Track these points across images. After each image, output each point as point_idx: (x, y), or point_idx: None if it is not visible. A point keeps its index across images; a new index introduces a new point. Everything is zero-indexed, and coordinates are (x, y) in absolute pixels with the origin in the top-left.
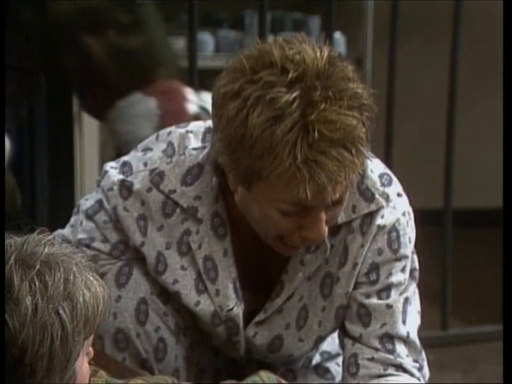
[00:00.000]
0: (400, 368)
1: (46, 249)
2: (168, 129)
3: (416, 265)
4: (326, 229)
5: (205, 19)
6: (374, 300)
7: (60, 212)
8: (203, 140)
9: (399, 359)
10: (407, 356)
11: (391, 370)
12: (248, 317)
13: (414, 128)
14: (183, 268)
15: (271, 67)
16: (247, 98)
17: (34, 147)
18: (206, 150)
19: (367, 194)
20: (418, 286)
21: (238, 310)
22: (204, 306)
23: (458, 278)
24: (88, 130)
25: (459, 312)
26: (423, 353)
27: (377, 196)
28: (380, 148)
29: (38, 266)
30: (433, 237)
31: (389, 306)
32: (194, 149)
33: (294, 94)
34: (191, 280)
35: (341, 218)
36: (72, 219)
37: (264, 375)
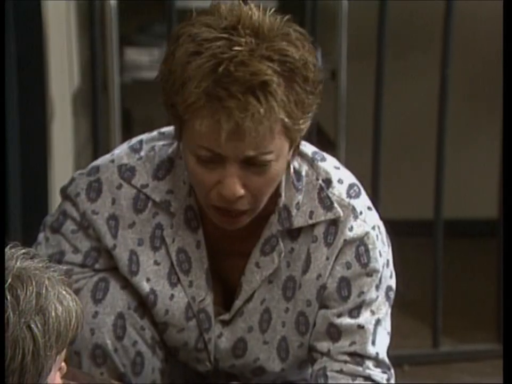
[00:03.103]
0: (369, 379)
1: (18, 263)
2: (140, 136)
3: (393, 284)
4: (240, 190)
5: None
6: (346, 319)
7: (32, 224)
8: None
9: (367, 371)
10: (376, 367)
11: (359, 381)
12: (219, 316)
13: (402, 138)
14: (156, 262)
15: (213, 14)
16: (180, 36)
17: (6, 157)
18: (175, 144)
19: (325, 202)
20: (408, 302)
21: (209, 300)
22: (178, 298)
23: (449, 291)
24: (62, 141)
25: (450, 328)
26: (392, 370)
27: (336, 205)
28: (368, 157)
29: (9, 280)
30: (423, 249)
31: (360, 327)
32: (164, 144)
33: (220, 35)
34: (164, 274)
35: (297, 222)
36: (39, 237)
37: None
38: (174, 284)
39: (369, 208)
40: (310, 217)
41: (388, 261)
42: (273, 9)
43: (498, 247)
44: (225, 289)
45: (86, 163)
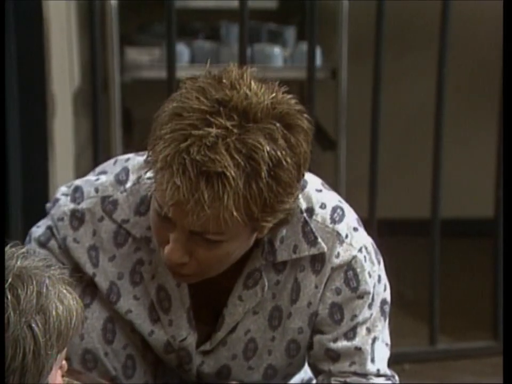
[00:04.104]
0: None
1: (18, 263)
2: (127, 156)
3: (387, 297)
4: (181, 258)
5: (180, 29)
6: (342, 342)
7: (33, 224)
8: None
9: (371, 381)
10: (379, 376)
11: None
12: (199, 346)
13: (400, 138)
14: (135, 297)
15: (216, 81)
16: (181, 88)
17: (7, 157)
18: None
19: (309, 237)
20: (405, 301)
21: (191, 340)
22: (158, 336)
23: (446, 290)
24: (63, 140)
25: (447, 326)
26: (396, 377)
27: (319, 240)
28: (365, 158)
29: (10, 280)
30: (420, 248)
31: (357, 349)
32: (149, 178)
33: (204, 107)
34: (144, 310)
35: (281, 256)
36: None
37: None
38: (154, 320)
39: (355, 229)
40: (294, 252)
41: (379, 277)
42: (282, 90)
43: (494, 246)
44: (207, 319)
45: (86, 163)
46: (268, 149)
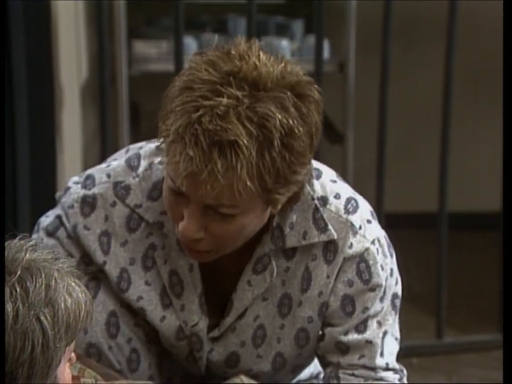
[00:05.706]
0: (381, 380)
1: (27, 255)
2: (140, 144)
3: (399, 291)
4: (197, 233)
5: (187, 23)
6: (353, 335)
7: (41, 216)
8: None
9: (379, 374)
10: (387, 370)
11: (371, 381)
12: (208, 333)
13: (407, 131)
14: (147, 283)
15: (224, 54)
16: (189, 63)
17: (15, 153)
18: None
19: (319, 224)
20: (412, 294)
21: (203, 325)
22: (170, 321)
23: (453, 283)
24: (71, 135)
25: (455, 320)
26: (405, 371)
27: (330, 227)
28: (373, 151)
29: (19, 272)
30: (427, 241)
31: (368, 342)
32: (160, 163)
33: (214, 79)
34: (156, 295)
35: (290, 242)
36: (33, 237)
37: (245, 378)
38: (166, 306)
39: (368, 221)
40: (304, 238)
41: (391, 270)
42: (290, 61)
43: (501, 240)
44: (217, 306)
45: (94, 155)
46: (280, 117)
